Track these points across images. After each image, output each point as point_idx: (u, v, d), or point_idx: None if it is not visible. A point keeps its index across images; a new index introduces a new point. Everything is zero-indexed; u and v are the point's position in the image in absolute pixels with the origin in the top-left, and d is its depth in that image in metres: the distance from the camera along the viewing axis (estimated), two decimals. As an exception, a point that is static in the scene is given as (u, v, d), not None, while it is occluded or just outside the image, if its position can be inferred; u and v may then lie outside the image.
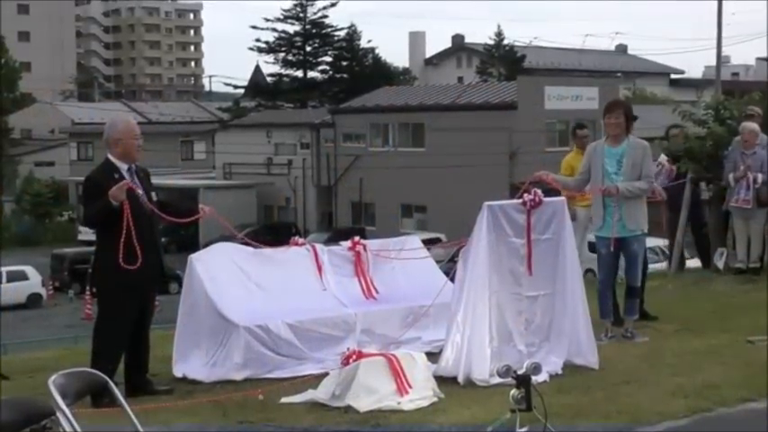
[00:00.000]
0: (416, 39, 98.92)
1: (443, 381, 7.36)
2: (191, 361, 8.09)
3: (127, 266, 7.19)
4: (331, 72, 76.88)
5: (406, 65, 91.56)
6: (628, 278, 9.24)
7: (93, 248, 7.76)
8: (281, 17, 74.73)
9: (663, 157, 12.84)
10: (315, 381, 7.35)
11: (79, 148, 67.03)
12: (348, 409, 6.72)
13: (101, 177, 7.46)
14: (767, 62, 73.90)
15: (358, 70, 75.41)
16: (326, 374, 7.33)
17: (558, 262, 8.03)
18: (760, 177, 12.21)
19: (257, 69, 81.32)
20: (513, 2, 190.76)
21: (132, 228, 7.21)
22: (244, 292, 8.38)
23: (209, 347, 8.07)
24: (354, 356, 7.07)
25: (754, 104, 13.89)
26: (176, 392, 7.59)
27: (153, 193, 7.66)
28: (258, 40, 75.40)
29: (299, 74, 76.09)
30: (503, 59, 74.16)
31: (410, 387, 6.89)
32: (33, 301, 41.42)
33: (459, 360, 7.55)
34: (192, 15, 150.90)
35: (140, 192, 7.45)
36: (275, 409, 6.91)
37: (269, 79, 77.82)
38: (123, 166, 7.48)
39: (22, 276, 42.12)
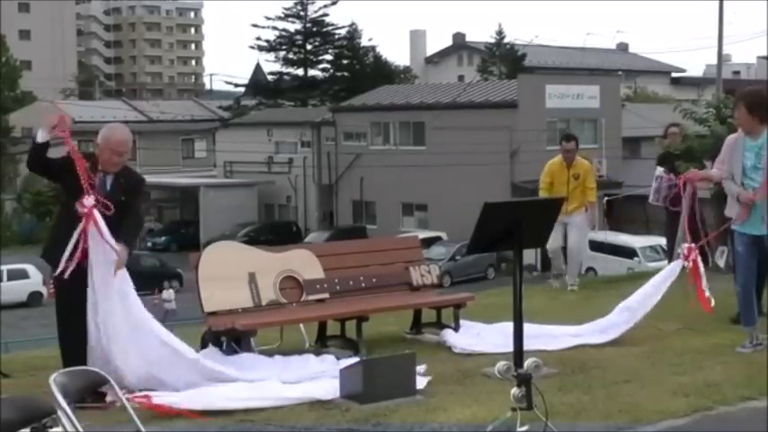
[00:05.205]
0: (417, 37, 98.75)
1: (444, 380, 7.37)
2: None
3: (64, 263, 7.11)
4: (332, 70, 76.84)
5: (407, 63, 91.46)
6: None
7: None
8: (282, 15, 74.78)
9: (660, 170, 12.65)
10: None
11: (80, 147, 66.41)
12: (349, 407, 6.72)
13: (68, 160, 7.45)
14: (768, 60, 73.81)
15: (359, 69, 75.32)
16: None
17: None
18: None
19: (258, 68, 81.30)
20: (513, 0, 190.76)
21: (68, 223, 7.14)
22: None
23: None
24: None
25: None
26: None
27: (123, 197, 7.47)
28: (259, 39, 75.53)
29: (300, 72, 76.08)
30: (503, 58, 74.01)
31: None
32: (34, 299, 41.37)
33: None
34: (192, 14, 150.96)
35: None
36: (276, 407, 6.90)
37: (270, 77, 77.81)
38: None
39: (23, 275, 42.11)
